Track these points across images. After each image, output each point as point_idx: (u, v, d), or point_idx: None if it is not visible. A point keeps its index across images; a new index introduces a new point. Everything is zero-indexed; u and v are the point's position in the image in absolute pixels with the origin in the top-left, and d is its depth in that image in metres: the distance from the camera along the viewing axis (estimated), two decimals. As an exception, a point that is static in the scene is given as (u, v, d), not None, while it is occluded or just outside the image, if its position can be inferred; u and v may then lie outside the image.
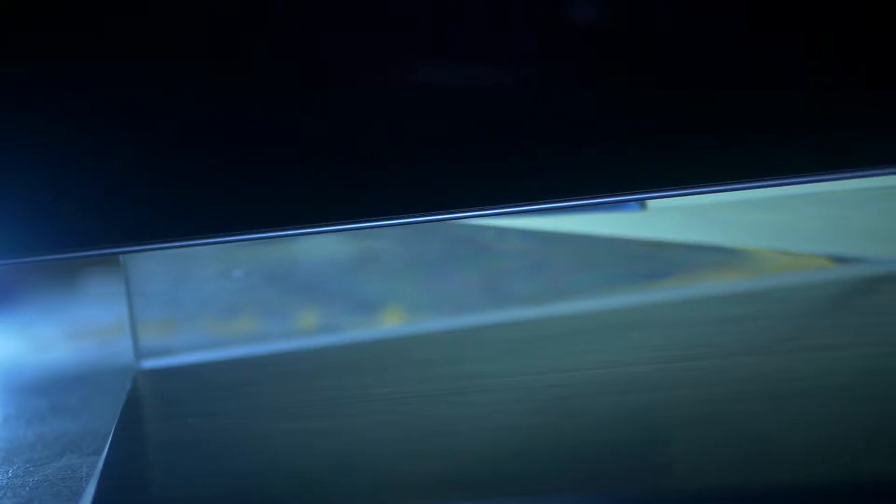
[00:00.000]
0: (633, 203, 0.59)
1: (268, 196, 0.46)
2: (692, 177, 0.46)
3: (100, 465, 0.46)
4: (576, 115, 0.46)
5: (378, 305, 0.64)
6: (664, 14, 0.45)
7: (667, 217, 0.61)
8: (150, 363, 0.62)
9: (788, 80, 0.45)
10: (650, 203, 0.60)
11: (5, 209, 0.46)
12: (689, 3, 0.45)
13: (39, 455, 0.52)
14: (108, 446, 0.47)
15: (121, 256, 0.61)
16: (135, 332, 0.62)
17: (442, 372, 0.54)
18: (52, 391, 0.66)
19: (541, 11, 0.46)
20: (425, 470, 0.41)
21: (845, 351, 0.52)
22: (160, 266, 0.63)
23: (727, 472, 0.40)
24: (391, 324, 0.64)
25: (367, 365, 0.58)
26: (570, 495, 0.39)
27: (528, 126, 0.46)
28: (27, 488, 0.47)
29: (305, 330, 0.64)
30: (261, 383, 0.58)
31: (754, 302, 0.63)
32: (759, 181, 0.46)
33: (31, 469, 0.50)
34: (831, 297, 0.63)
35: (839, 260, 0.66)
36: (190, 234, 0.46)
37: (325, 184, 0.46)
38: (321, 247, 0.64)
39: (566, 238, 0.63)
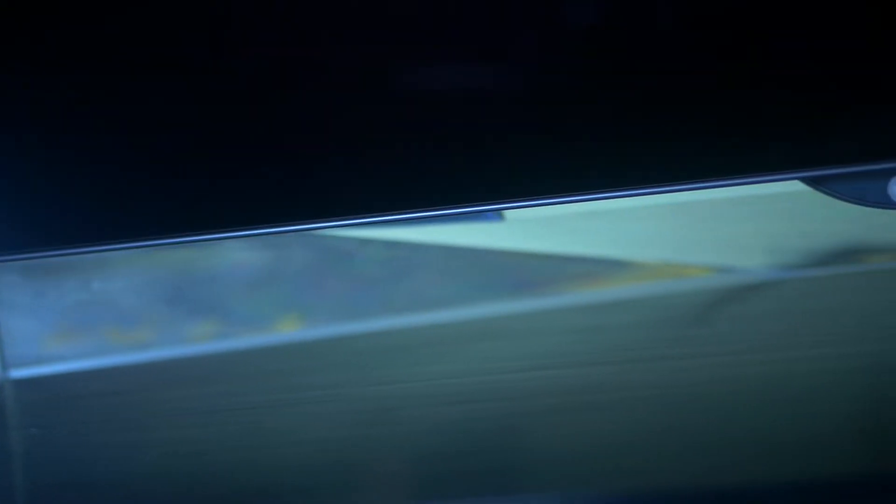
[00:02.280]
0: (492, 214, 0.59)
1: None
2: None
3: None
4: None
5: (236, 315, 0.64)
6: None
7: (527, 227, 0.62)
8: (17, 373, 0.62)
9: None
10: (509, 214, 0.60)
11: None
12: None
13: None
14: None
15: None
16: (0, 342, 0.62)
17: (285, 383, 0.55)
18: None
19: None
20: (222, 483, 0.42)
21: (691, 361, 0.52)
22: (27, 277, 0.63)
23: (528, 480, 0.40)
24: (248, 334, 0.64)
25: (216, 376, 0.59)
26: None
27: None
28: None
29: (156, 342, 0.64)
30: (124, 393, 0.58)
31: (619, 312, 0.63)
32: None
33: None
34: (697, 307, 0.63)
35: (709, 269, 0.66)
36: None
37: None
38: (183, 256, 0.64)
39: (428, 248, 0.63)
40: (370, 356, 0.59)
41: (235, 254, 0.64)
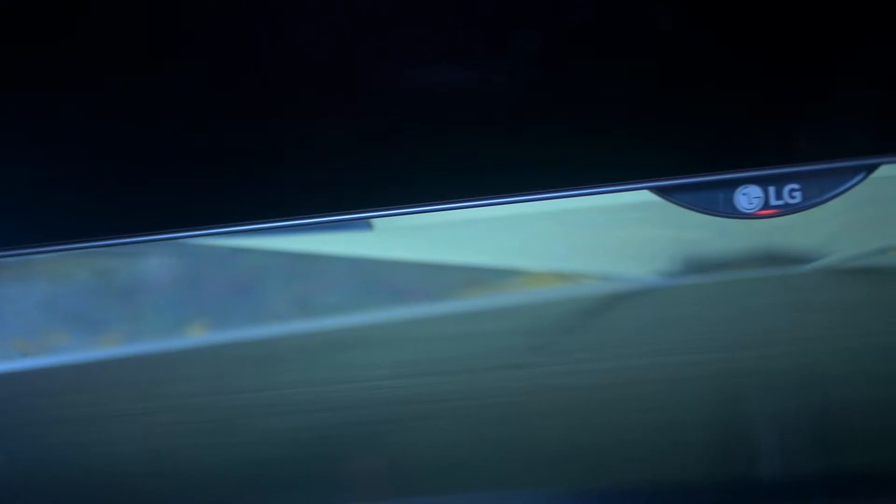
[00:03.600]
0: (362, 223, 0.59)
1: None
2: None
3: None
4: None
5: (112, 325, 0.63)
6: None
7: (397, 236, 0.61)
8: None
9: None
10: (376, 223, 0.60)
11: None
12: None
13: None
14: None
15: None
16: None
17: (144, 392, 0.54)
18: None
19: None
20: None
21: (554, 368, 0.52)
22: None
23: (375, 487, 0.40)
24: (117, 344, 0.63)
25: (78, 386, 0.58)
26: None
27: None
28: None
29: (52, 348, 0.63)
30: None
31: (492, 320, 0.63)
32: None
33: None
34: (571, 315, 0.63)
35: (585, 277, 0.66)
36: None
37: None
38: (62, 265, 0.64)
39: (301, 257, 0.63)
40: (237, 365, 0.58)
41: (106, 262, 0.63)
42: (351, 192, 0.47)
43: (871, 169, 0.45)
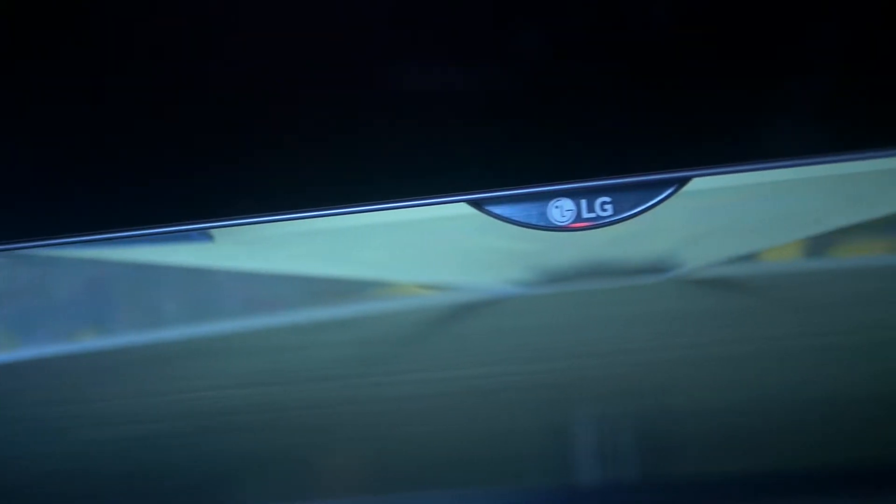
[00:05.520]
0: (201, 234, 0.59)
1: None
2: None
3: None
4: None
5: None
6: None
7: (240, 247, 0.61)
8: None
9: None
10: (215, 233, 0.59)
11: None
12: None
13: None
14: None
15: None
16: None
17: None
18: None
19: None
20: None
21: (367, 379, 0.52)
22: None
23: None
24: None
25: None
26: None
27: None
28: None
29: None
30: None
31: (332, 330, 0.63)
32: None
33: None
34: (412, 325, 0.64)
35: (431, 288, 0.66)
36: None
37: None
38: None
39: (137, 267, 0.62)
40: (72, 377, 0.58)
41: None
42: (189, 203, 0.47)
43: (681, 182, 0.45)
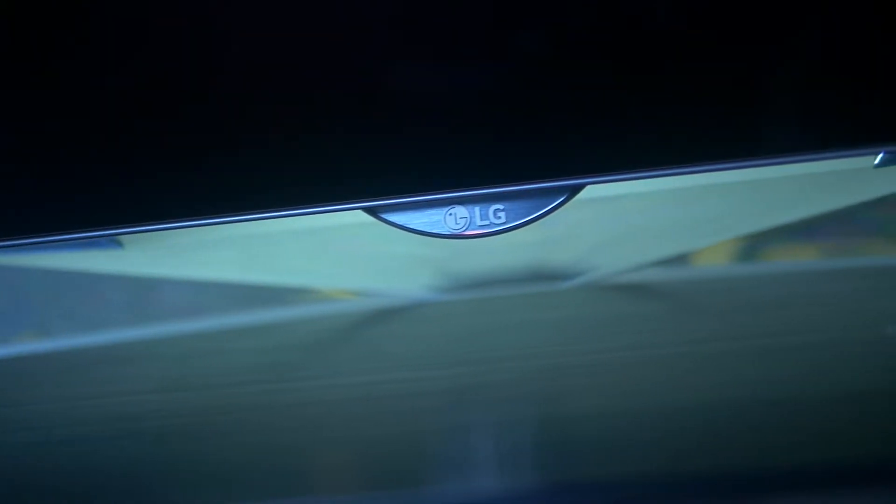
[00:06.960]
0: (110, 242, 0.59)
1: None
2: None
3: None
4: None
5: None
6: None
7: (144, 253, 0.61)
8: None
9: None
10: (125, 239, 0.59)
11: None
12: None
13: None
14: None
15: None
16: None
17: None
18: None
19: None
20: None
21: (276, 385, 0.53)
22: None
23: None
24: None
25: None
26: None
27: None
28: None
29: None
30: None
31: (246, 336, 0.63)
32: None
33: None
34: (326, 331, 0.64)
35: (354, 294, 0.67)
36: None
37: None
38: None
39: (48, 273, 0.62)
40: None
41: None
42: (99, 209, 0.47)
43: (574, 189, 0.46)
